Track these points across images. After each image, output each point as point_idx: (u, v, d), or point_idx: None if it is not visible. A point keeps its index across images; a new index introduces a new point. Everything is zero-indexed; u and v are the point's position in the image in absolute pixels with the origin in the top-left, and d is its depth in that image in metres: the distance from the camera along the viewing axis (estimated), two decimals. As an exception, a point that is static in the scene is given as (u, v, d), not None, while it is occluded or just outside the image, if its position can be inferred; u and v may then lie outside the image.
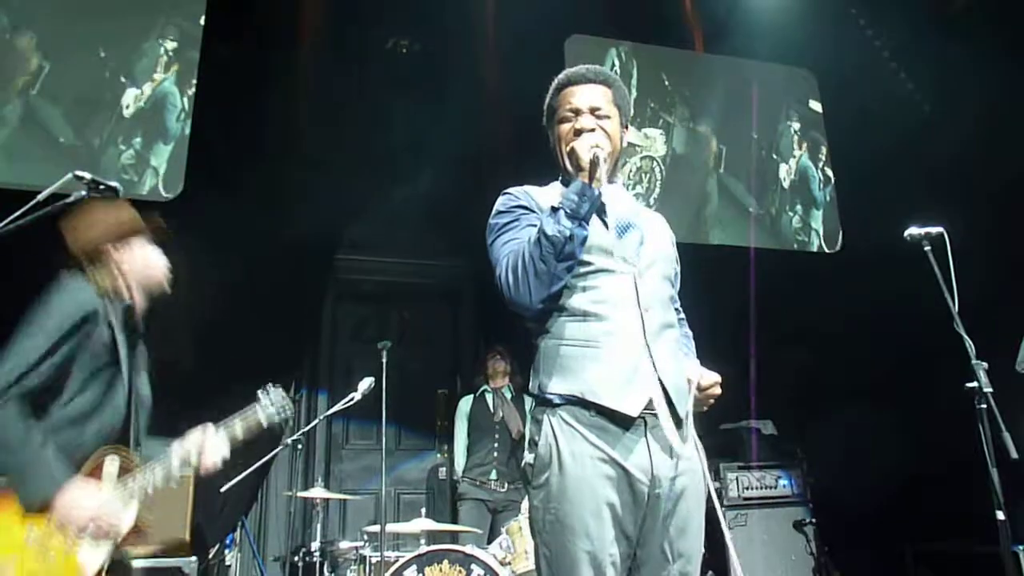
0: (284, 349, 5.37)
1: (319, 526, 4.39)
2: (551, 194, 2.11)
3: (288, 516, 4.25)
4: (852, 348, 5.87)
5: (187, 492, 4.38)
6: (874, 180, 6.17)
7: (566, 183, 2.07)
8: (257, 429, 2.57)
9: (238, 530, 4.93)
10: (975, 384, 2.89)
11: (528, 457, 1.87)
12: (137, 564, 3.91)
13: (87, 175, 1.94)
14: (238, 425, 2.53)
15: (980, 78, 5.27)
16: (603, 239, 1.96)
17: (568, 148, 2.06)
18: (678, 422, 1.91)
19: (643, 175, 6.37)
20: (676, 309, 2.24)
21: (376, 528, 3.86)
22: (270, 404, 2.60)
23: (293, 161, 5.41)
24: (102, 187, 1.97)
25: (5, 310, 2.27)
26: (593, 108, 2.13)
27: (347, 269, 5.99)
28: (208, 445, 2.41)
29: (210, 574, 4.61)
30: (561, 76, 2.28)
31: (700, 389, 2.04)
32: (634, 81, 6.57)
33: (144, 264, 2.46)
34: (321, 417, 4.53)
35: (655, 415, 1.85)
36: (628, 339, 1.88)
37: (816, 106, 7.00)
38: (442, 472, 5.75)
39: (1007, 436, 2.76)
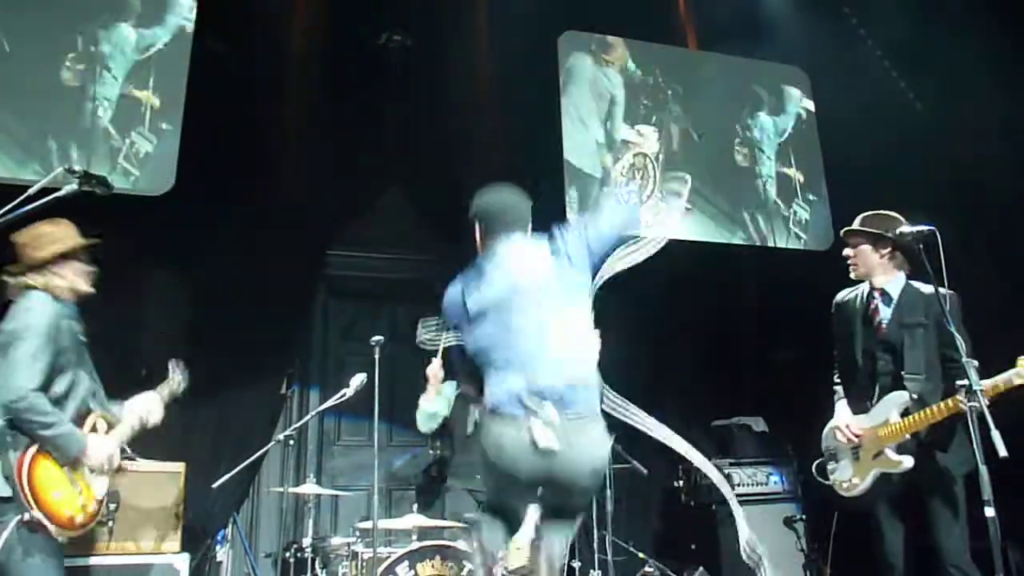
0: (276, 345, 5.36)
1: (311, 522, 4.38)
2: None
3: (280, 512, 4.25)
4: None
5: (178, 488, 4.37)
6: (866, 178, 6.19)
7: None
8: (171, 397, 3.47)
9: (230, 526, 4.92)
10: (966, 382, 2.91)
11: None
12: (130, 561, 3.93)
13: (79, 168, 1.95)
14: (164, 392, 3.46)
15: (975, 77, 5.29)
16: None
17: None
18: None
19: (636, 172, 6.37)
20: None
21: (368, 524, 3.86)
22: (177, 378, 3.52)
23: (285, 157, 5.40)
24: (93, 180, 1.96)
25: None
26: None
27: (339, 265, 5.98)
28: (151, 406, 3.37)
29: (202, 570, 4.60)
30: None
31: None
32: (628, 77, 6.58)
33: (80, 274, 3.12)
34: (313, 413, 4.53)
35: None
36: None
37: (809, 104, 7.02)
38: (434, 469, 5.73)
39: (996, 434, 2.79)
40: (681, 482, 5.74)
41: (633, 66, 6.64)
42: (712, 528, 5.30)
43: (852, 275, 3.67)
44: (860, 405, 3.62)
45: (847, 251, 3.69)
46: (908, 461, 3.38)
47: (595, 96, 6.42)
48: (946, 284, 3.13)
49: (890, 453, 3.44)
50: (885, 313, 3.55)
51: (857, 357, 3.62)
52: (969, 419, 2.84)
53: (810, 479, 5.50)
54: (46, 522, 2.81)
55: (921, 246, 3.10)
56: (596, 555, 4.42)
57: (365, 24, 5.82)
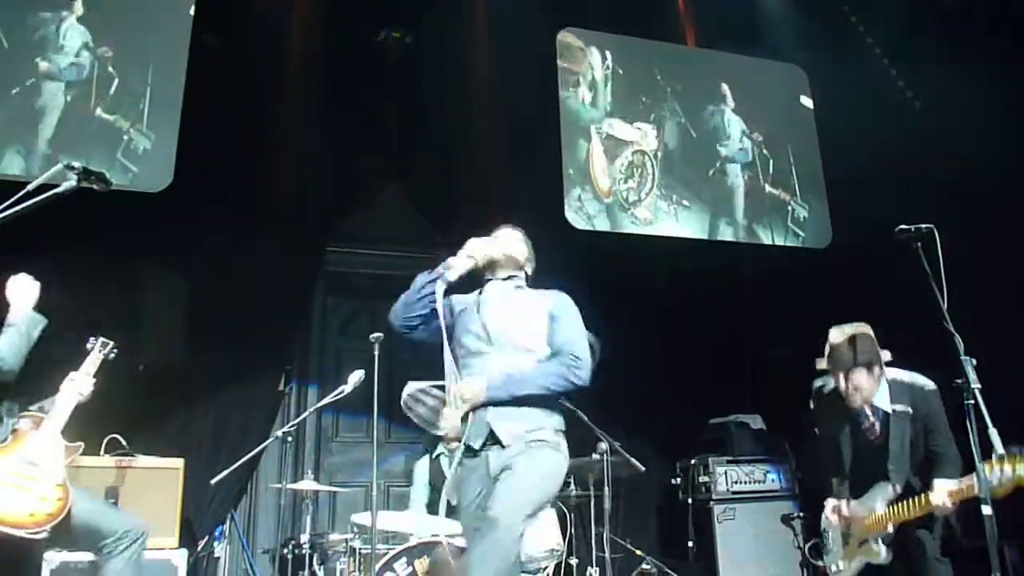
0: (274, 342, 5.36)
1: (309, 519, 4.38)
2: (468, 296, 2.99)
3: (278, 509, 4.25)
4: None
5: (176, 485, 4.38)
6: (865, 176, 6.20)
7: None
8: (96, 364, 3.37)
9: (227, 523, 4.92)
10: (963, 380, 2.92)
11: None
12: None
13: (77, 164, 1.94)
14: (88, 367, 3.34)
15: (971, 75, 5.29)
16: (471, 331, 2.83)
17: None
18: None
19: (635, 169, 6.38)
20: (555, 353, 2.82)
21: (366, 520, 3.86)
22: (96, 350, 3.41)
23: (283, 153, 5.39)
24: (92, 176, 1.96)
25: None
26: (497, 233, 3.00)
27: (338, 261, 5.98)
28: (78, 384, 3.25)
29: (200, 566, 4.60)
30: None
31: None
32: (626, 75, 6.58)
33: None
34: (311, 410, 4.53)
35: (492, 446, 2.68)
36: None
37: (807, 102, 7.02)
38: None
39: (994, 431, 2.80)
40: (679, 479, 5.75)
41: (632, 63, 6.64)
42: (709, 525, 5.31)
43: (853, 405, 3.57)
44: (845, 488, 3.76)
45: (842, 385, 3.54)
46: (885, 555, 3.51)
47: (593, 92, 6.43)
48: (944, 283, 3.13)
49: (873, 544, 3.56)
50: (875, 421, 3.59)
51: (845, 453, 3.69)
52: (967, 417, 2.85)
53: (807, 476, 5.56)
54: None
55: (919, 244, 3.10)
56: (594, 552, 4.42)
57: (364, 21, 5.82)
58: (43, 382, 3.29)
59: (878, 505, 3.54)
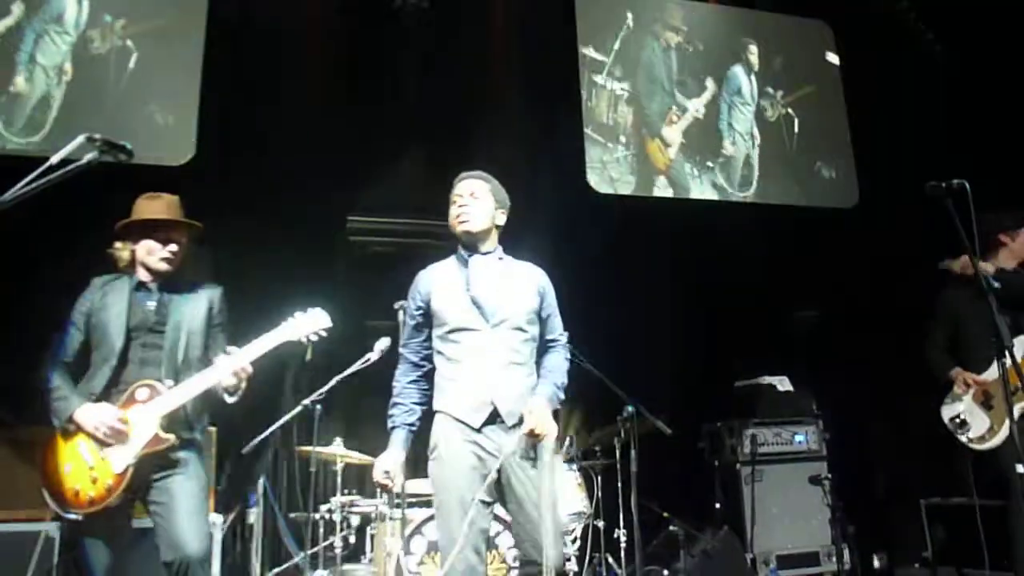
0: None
1: (339, 485, 4.45)
2: (445, 269, 2.97)
3: (308, 475, 4.30)
4: (869, 303, 5.84)
5: (210, 452, 4.45)
6: (892, 134, 6.07)
7: (458, 255, 2.96)
8: (282, 341, 3.23)
9: (260, 489, 5.00)
10: (994, 338, 2.88)
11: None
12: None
13: (98, 136, 1.93)
14: (266, 340, 3.21)
15: (999, 28, 5.14)
16: (460, 307, 2.80)
17: (451, 228, 2.96)
18: (508, 428, 2.71)
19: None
20: (551, 341, 2.95)
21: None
22: (305, 322, 3.26)
23: (303, 123, 5.37)
24: (115, 149, 1.95)
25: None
26: (471, 193, 2.94)
27: (360, 231, 5.98)
28: (231, 364, 3.07)
29: (234, 532, 4.69)
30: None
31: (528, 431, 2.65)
32: (647, 34, 6.47)
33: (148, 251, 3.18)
34: (339, 377, 4.56)
35: (490, 424, 2.71)
36: (476, 377, 2.72)
37: (833, 58, 6.86)
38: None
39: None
40: (705, 443, 5.75)
41: (654, 23, 6.52)
42: (736, 488, 5.31)
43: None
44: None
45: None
46: None
47: (615, 52, 6.32)
48: (976, 241, 3.06)
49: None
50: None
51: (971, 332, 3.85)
52: (1001, 375, 2.82)
53: (835, 437, 5.53)
54: (47, 497, 2.78)
55: (950, 200, 3.03)
56: (621, 515, 4.45)
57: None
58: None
59: (1019, 353, 3.41)
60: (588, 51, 6.19)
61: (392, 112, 5.69)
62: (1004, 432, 3.58)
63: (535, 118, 5.82)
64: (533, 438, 2.65)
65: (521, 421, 2.68)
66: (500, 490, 2.71)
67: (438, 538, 2.70)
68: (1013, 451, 3.35)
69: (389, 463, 2.80)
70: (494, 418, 2.71)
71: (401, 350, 3.00)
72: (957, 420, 3.86)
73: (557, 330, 2.97)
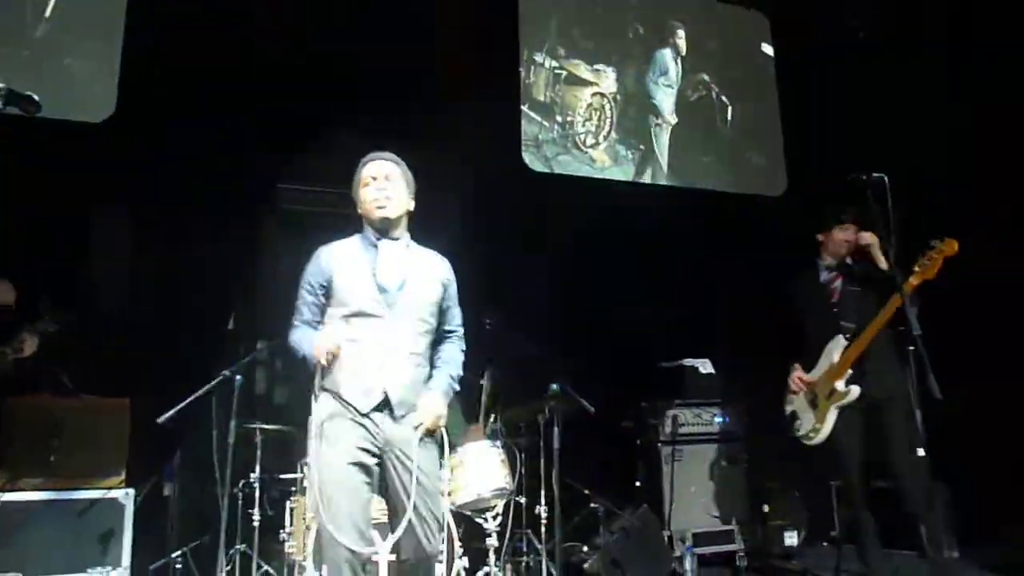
0: (224, 279, 5.25)
1: (258, 456, 4.37)
2: (349, 249, 2.90)
3: (227, 447, 4.20)
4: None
5: (124, 423, 4.31)
6: (822, 125, 6.21)
7: (364, 236, 2.92)
8: None
9: (176, 461, 4.87)
10: (904, 327, 3.00)
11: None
12: (73, 496, 3.87)
13: (2, 85, 1.81)
14: None
15: (932, 22, 5.29)
16: (364, 291, 2.76)
17: (362, 210, 2.92)
18: (397, 417, 2.72)
19: (593, 112, 6.31)
20: (448, 331, 2.98)
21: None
22: None
23: (231, 81, 5.19)
24: (19, 99, 1.84)
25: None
26: (385, 176, 2.89)
27: (291, 199, 5.82)
28: None
29: (148, 505, 4.56)
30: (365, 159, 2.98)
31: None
32: (590, 14, 6.45)
33: None
34: (260, 348, 4.46)
35: (379, 411, 2.70)
36: (371, 362, 2.71)
37: (768, 49, 6.97)
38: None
39: (932, 378, 2.87)
40: (629, 422, 5.83)
41: (595, 2, 6.51)
42: (657, 467, 5.42)
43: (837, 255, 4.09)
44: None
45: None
46: (855, 389, 3.72)
47: (555, 31, 6.29)
48: (892, 231, 3.17)
49: (840, 386, 3.71)
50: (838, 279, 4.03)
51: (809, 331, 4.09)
52: (907, 362, 2.93)
53: (755, 419, 5.68)
54: None
55: (871, 192, 3.13)
56: (543, 492, 4.49)
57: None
58: None
59: (835, 356, 3.79)
60: (529, 28, 6.15)
61: (325, 77, 5.53)
62: (826, 430, 3.88)
63: (471, 85, 5.72)
64: (426, 432, 2.69)
65: (411, 411, 2.69)
66: (381, 479, 2.72)
67: (320, 518, 2.61)
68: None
69: (331, 333, 2.74)
70: (383, 406, 2.70)
71: (295, 322, 2.94)
72: (790, 416, 4.11)
73: (455, 321, 2.99)
